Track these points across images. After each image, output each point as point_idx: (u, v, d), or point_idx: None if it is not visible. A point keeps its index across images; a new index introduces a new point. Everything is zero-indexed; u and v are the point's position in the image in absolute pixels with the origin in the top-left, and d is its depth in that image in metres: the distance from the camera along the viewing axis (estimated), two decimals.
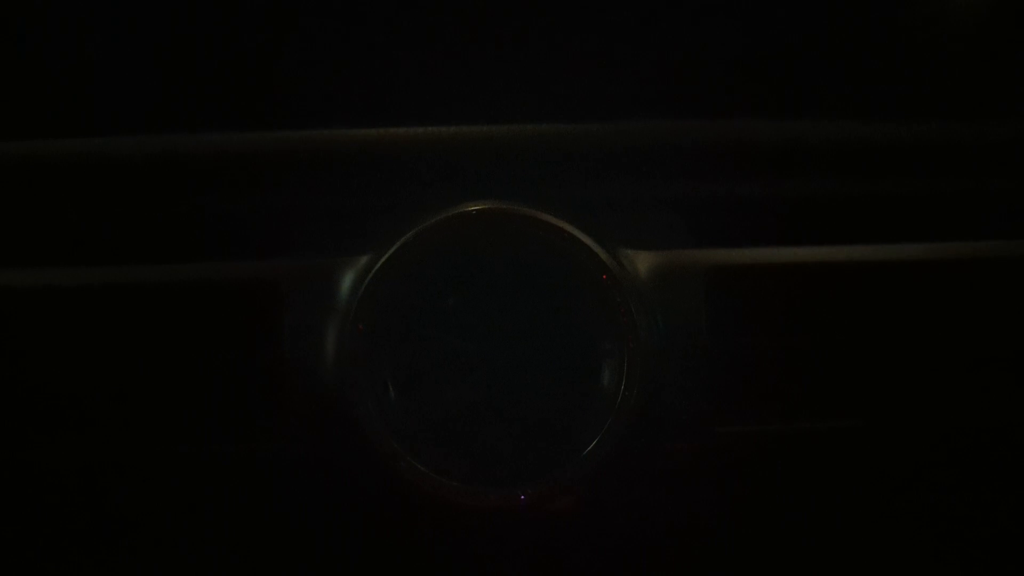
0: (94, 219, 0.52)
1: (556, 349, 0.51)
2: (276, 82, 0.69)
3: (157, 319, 0.50)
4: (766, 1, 0.61)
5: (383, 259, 0.49)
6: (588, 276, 0.50)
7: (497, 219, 0.50)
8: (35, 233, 0.52)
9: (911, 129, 0.53)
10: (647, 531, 0.55)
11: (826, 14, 0.61)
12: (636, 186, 0.52)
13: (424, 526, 0.50)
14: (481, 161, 0.52)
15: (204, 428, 0.51)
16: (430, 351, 0.50)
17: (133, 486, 0.52)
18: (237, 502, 0.52)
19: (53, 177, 0.52)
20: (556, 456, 0.50)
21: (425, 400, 0.50)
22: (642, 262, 0.51)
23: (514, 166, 0.52)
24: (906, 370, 0.52)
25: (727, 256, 0.51)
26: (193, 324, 0.50)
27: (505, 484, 0.49)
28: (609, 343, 0.50)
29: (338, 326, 0.49)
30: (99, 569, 0.59)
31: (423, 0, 0.62)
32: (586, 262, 0.50)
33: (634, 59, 0.62)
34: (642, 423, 0.49)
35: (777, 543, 0.57)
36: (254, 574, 0.55)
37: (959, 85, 0.66)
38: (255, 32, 0.66)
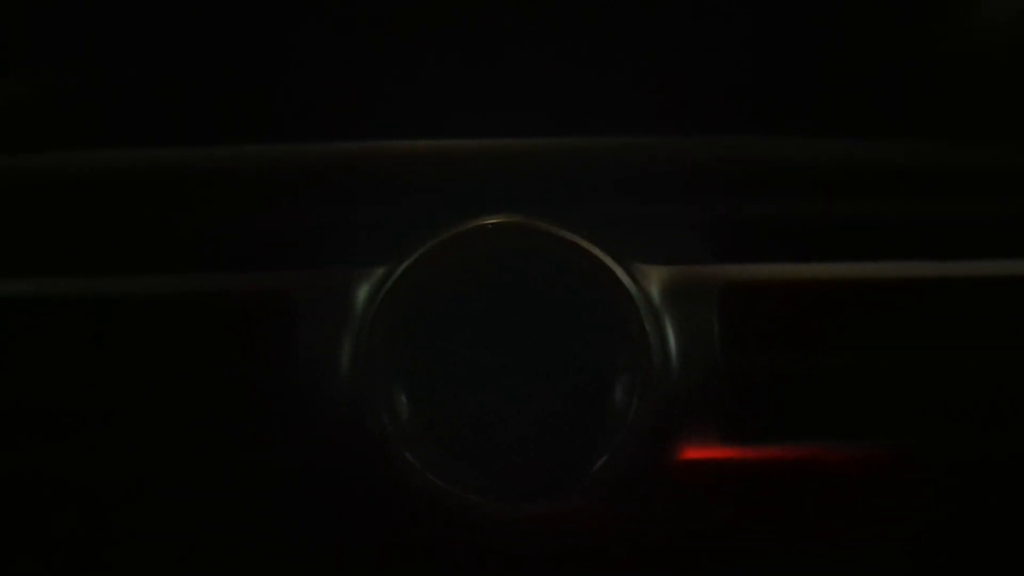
0: (106, 230, 0.52)
1: (569, 363, 0.51)
2: (291, 93, 0.69)
3: (169, 330, 0.51)
4: (780, 20, 0.62)
5: (398, 271, 0.50)
6: (601, 291, 0.50)
7: (512, 233, 0.50)
8: (46, 243, 0.52)
9: (924, 148, 0.54)
10: (657, 546, 0.55)
11: (842, 33, 0.61)
12: (651, 202, 0.52)
13: (436, 537, 0.50)
14: (497, 175, 0.52)
15: (217, 440, 0.51)
16: (444, 364, 0.51)
17: (143, 498, 0.52)
18: (250, 514, 0.52)
19: (66, 189, 0.53)
20: (567, 470, 0.50)
21: (439, 412, 0.50)
22: (655, 277, 0.51)
23: (530, 180, 0.52)
24: (922, 390, 0.52)
25: (740, 272, 0.51)
26: (206, 336, 0.51)
27: (516, 497, 0.49)
28: (622, 358, 0.51)
29: (352, 338, 0.50)
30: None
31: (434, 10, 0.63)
32: (599, 277, 0.50)
33: (650, 73, 0.62)
34: (653, 439, 0.49)
35: (787, 562, 0.57)
36: None
37: (968, 103, 0.67)
38: (263, 42, 0.66)
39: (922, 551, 0.58)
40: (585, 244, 0.50)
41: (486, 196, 0.52)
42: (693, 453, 0.51)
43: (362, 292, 0.50)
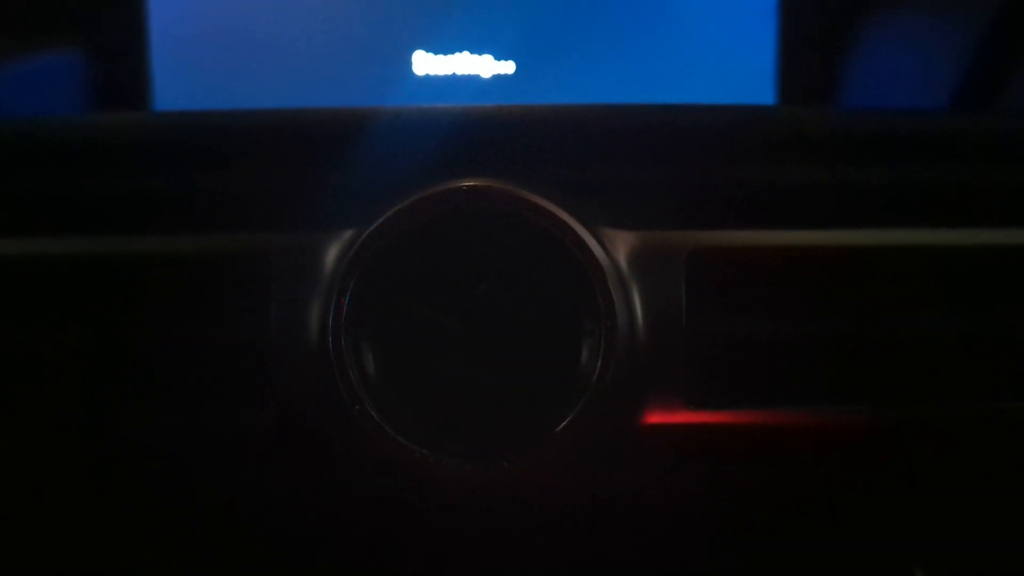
0: (85, 192, 0.53)
1: (535, 326, 0.51)
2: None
3: (146, 289, 0.52)
4: None
5: (367, 233, 0.51)
6: (569, 255, 0.51)
7: (481, 196, 0.51)
8: (30, 202, 0.53)
9: (892, 116, 0.54)
10: (620, 508, 0.56)
11: None
12: (620, 167, 0.53)
13: (400, 494, 0.51)
14: (468, 139, 0.52)
15: (190, 395, 0.52)
16: (411, 324, 0.51)
17: (119, 452, 0.53)
18: (221, 469, 0.53)
19: (50, 149, 0.54)
20: (531, 432, 0.51)
21: (405, 372, 0.51)
22: (622, 242, 0.51)
23: (500, 145, 0.52)
24: (886, 357, 0.52)
25: (707, 239, 0.52)
26: (179, 295, 0.52)
27: (480, 456, 0.50)
28: (587, 322, 0.51)
29: (322, 299, 0.50)
30: (93, 530, 0.61)
31: None
32: (567, 241, 0.50)
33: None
34: (618, 402, 0.50)
35: (749, 526, 0.58)
36: (238, 540, 0.56)
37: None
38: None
39: (886, 515, 0.58)
40: (553, 208, 0.51)
41: (456, 160, 0.52)
42: (657, 417, 0.51)
43: (332, 253, 0.51)
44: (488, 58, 0.82)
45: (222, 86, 0.81)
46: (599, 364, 0.50)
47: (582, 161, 0.52)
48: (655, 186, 0.52)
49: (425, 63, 0.82)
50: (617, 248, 0.51)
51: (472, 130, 0.53)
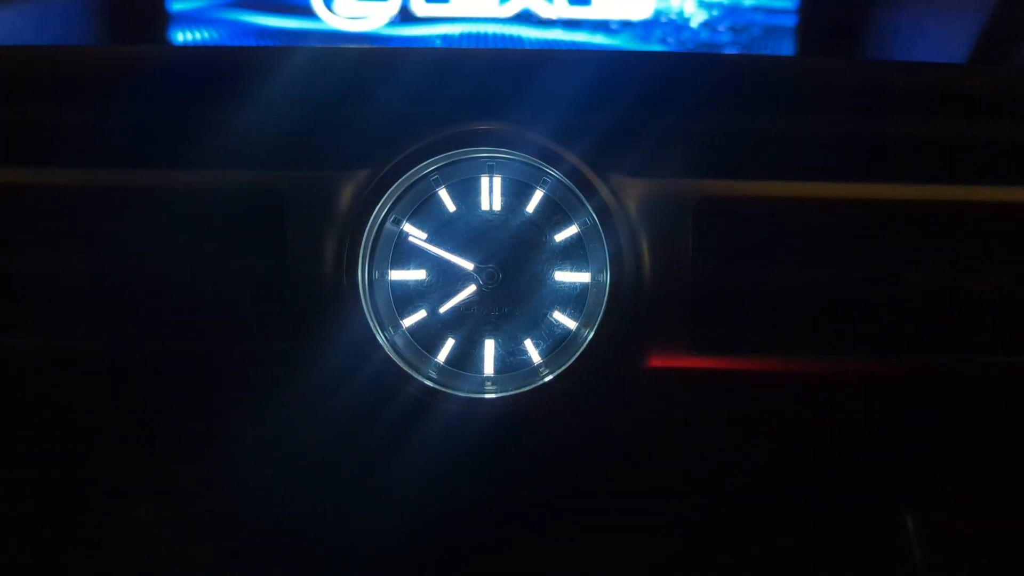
0: (107, 124, 0.54)
1: (545, 268, 0.53)
2: None
3: (164, 221, 0.53)
4: None
5: (382, 173, 0.51)
6: (580, 201, 0.52)
7: (495, 139, 0.51)
8: (52, 135, 0.54)
9: (902, 69, 0.54)
10: (620, 448, 0.57)
11: None
12: (632, 114, 0.53)
13: (411, 426, 0.52)
14: (483, 83, 0.53)
15: (208, 328, 0.53)
16: (422, 261, 0.53)
17: (136, 379, 0.55)
18: (239, 396, 0.55)
19: (72, 83, 0.54)
20: (536, 369, 0.53)
21: (417, 309, 0.53)
22: (632, 189, 0.52)
23: (515, 89, 0.52)
24: (887, 306, 0.53)
25: (716, 187, 0.52)
26: (198, 228, 0.53)
27: (487, 392, 0.52)
28: (596, 267, 0.52)
29: (336, 235, 0.52)
30: (110, 453, 0.63)
31: None
32: (578, 185, 0.51)
33: None
34: (621, 344, 0.51)
35: (744, 469, 0.60)
36: (253, 460, 0.58)
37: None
38: None
39: (878, 464, 0.60)
40: (565, 153, 0.51)
41: (471, 102, 0.53)
42: (660, 361, 0.52)
43: (347, 192, 0.52)
44: None
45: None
46: (604, 307, 0.51)
47: (595, 107, 0.53)
48: (667, 134, 0.53)
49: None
50: (627, 195, 0.52)
51: (487, 73, 0.53)
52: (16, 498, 0.65)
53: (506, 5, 0.82)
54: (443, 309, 0.53)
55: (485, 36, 0.82)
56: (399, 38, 0.82)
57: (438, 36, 0.82)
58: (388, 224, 0.53)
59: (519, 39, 0.82)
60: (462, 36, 0.82)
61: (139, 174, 0.53)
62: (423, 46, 0.80)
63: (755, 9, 0.82)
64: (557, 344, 0.53)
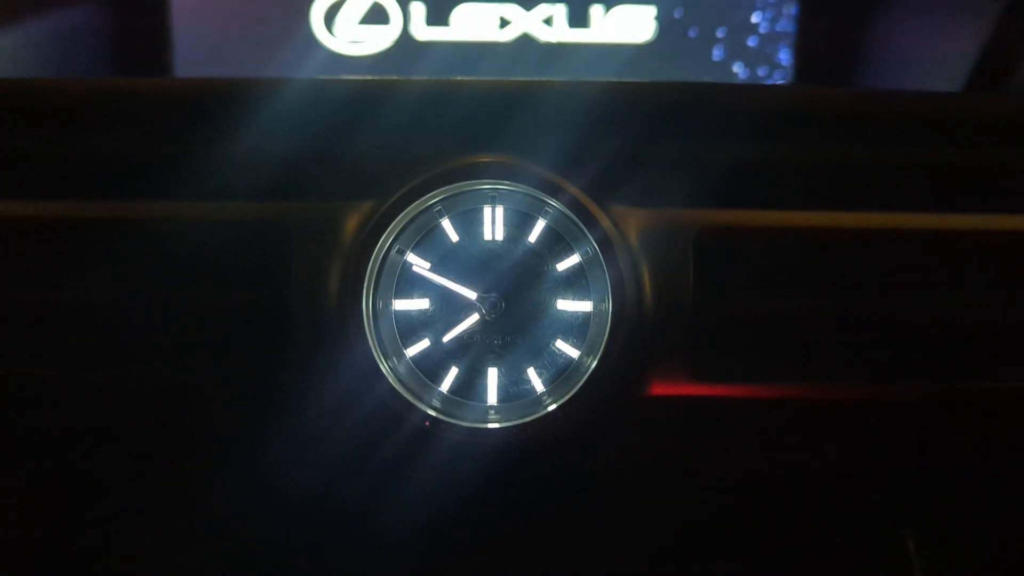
0: (110, 155, 0.54)
1: (547, 298, 0.53)
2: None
3: (167, 252, 0.53)
4: None
5: (386, 205, 0.52)
6: (582, 231, 0.52)
7: (498, 171, 0.52)
8: (54, 167, 0.54)
9: (899, 97, 0.54)
10: (622, 476, 0.58)
11: None
12: (632, 144, 0.53)
13: (410, 453, 0.52)
14: (484, 114, 0.53)
15: (212, 356, 0.54)
16: (425, 291, 0.53)
17: (148, 411, 0.55)
18: (242, 425, 0.56)
19: (74, 115, 0.54)
20: (539, 399, 0.53)
21: (421, 339, 0.53)
22: (634, 219, 0.52)
23: (515, 120, 0.53)
24: (888, 335, 0.53)
25: (716, 217, 0.53)
26: (205, 259, 0.53)
27: (490, 422, 0.52)
28: (598, 296, 0.53)
29: (341, 265, 0.52)
30: (125, 480, 0.63)
31: None
32: (579, 216, 0.52)
33: None
34: (624, 374, 0.52)
35: (746, 494, 0.60)
36: (257, 488, 0.59)
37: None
38: None
39: (880, 487, 0.60)
40: (567, 185, 0.52)
41: (473, 134, 0.53)
42: (662, 389, 0.53)
43: (352, 223, 0.52)
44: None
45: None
46: (607, 336, 0.52)
47: (595, 137, 0.53)
48: (667, 164, 0.53)
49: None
50: (628, 224, 0.52)
51: (487, 104, 0.53)
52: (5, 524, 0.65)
53: (506, 29, 0.83)
54: (446, 338, 0.53)
55: (485, 60, 0.82)
56: (401, 62, 0.82)
57: (439, 60, 0.83)
58: (392, 254, 0.53)
59: (520, 62, 0.83)
60: (463, 61, 0.82)
61: (142, 206, 0.54)
62: (424, 72, 0.81)
63: (754, 36, 0.83)
64: (560, 373, 0.53)
